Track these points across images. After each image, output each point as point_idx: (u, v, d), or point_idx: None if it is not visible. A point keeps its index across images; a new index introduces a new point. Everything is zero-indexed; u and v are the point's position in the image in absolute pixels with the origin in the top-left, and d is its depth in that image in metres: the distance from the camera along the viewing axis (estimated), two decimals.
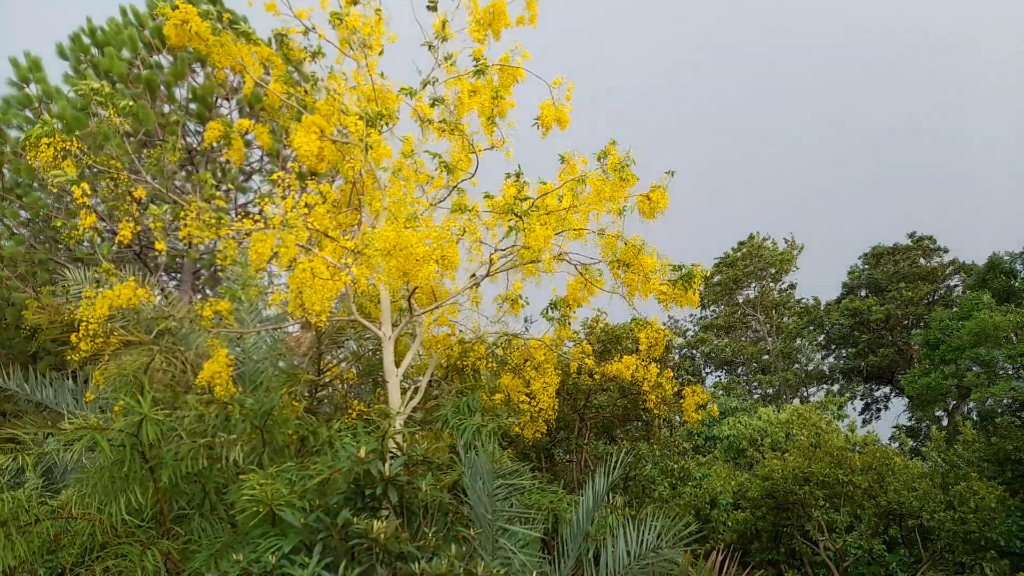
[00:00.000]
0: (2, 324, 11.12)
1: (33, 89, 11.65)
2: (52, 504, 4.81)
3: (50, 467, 6.07)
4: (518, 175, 7.53)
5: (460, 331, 8.46)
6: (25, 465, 4.59)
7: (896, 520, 11.91)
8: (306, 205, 6.11)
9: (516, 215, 6.88)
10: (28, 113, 11.59)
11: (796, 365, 29.67)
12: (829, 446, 12.20)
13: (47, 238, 11.73)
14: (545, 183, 7.59)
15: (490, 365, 8.54)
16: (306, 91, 7.74)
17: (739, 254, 31.32)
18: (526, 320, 9.55)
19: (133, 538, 5.00)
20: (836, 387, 29.23)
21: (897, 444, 19.36)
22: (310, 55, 7.78)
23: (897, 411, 28.30)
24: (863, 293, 28.44)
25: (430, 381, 8.01)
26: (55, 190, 6.59)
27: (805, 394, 29.50)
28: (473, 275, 7.79)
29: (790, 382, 28.59)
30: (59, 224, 9.04)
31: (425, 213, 7.49)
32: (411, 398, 7.20)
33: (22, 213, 11.79)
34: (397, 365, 7.09)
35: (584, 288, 8.12)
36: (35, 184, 11.34)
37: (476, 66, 8.03)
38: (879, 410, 29.03)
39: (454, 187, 8.15)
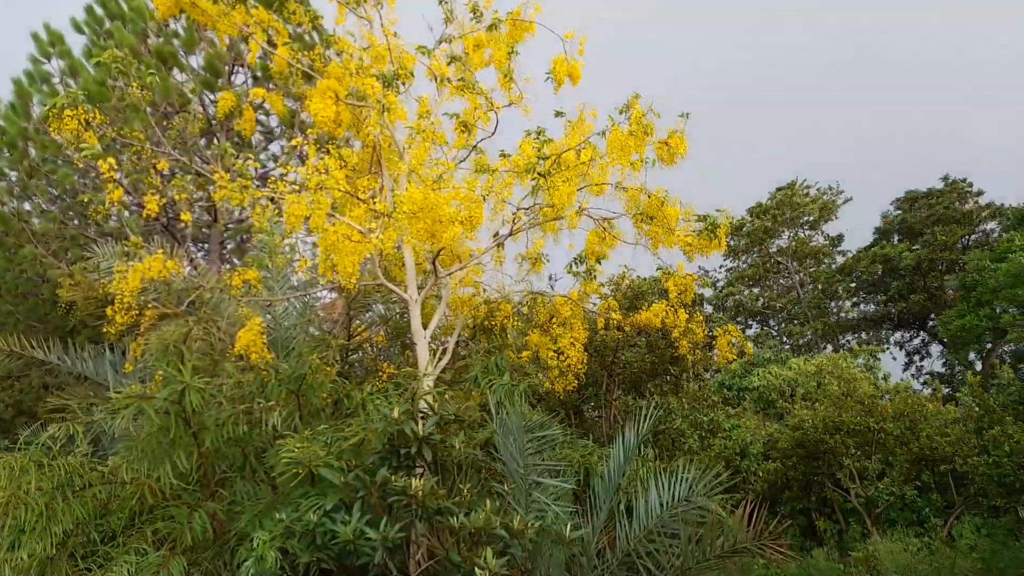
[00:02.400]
0: (39, 300, 11.42)
1: (54, 64, 11.70)
2: (102, 470, 5.00)
3: (97, 436, 6.29)
4: (539, 133, 7.42)
5: (485, 291, 8.49)
6: (76, 433, 4.76)
7: (928, 466, 11.88)
8: (326, 170, 6.14)
9: (540, 175, 6.82)
10: (48, 88, 11.68)
11: (831, 314, 29.27)
12: (859, 394, 12.15)
13: (76, 214, 11.92)
14: (563, 139, 7.47)
15: (516, 323, 8.58)
16: (316, 54, 7.65)
17: (774, 201, 30.67)
18: (551, 278, 9.55)
19: (180, 501, 5.19)
20: (865, 335, 28.88)
21: (931, 390, 19.18)
22: (310, 20, 7.68)
23: (931, 358, 27.97)
24: (896, 239, 27.81)
25: (458, 341, 8.08)
26: (81, 165, 6.67)
27: (840, 343, 29.15)
28: (496, 234, 7.77)
29: (820, 332, 28.29)
30: (87, 199, 9.16)
31: (448, 174, 7.45)
32: (440, 359, 7.28)
33: (50, 190, 11.99)
34: (424, 327, 7.15)
35: (603, 241, 8.05)
36: (60, 160, 11.49)
37: (479, 22, 7.87)
38: (922, 358, 28.60)
39: (474, 147, 8.07)
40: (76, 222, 11.79)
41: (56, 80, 11.72)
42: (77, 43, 11.86)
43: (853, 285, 28.59)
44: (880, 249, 26.63)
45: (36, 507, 4.53)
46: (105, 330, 6.33)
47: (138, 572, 4.67)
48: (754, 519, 6.51)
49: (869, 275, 27.37)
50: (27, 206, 12.06)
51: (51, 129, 5.97)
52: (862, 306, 29.44)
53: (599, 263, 8.23)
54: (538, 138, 7.36)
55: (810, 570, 9.66)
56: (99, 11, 11.89)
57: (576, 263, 8.34)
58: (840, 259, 30.24)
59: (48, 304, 11.09)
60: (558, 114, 7.48)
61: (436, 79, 8.01)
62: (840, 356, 16.59)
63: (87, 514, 4.78)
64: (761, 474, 11.80)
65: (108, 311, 6.24)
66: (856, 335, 29.11)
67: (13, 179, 11.83)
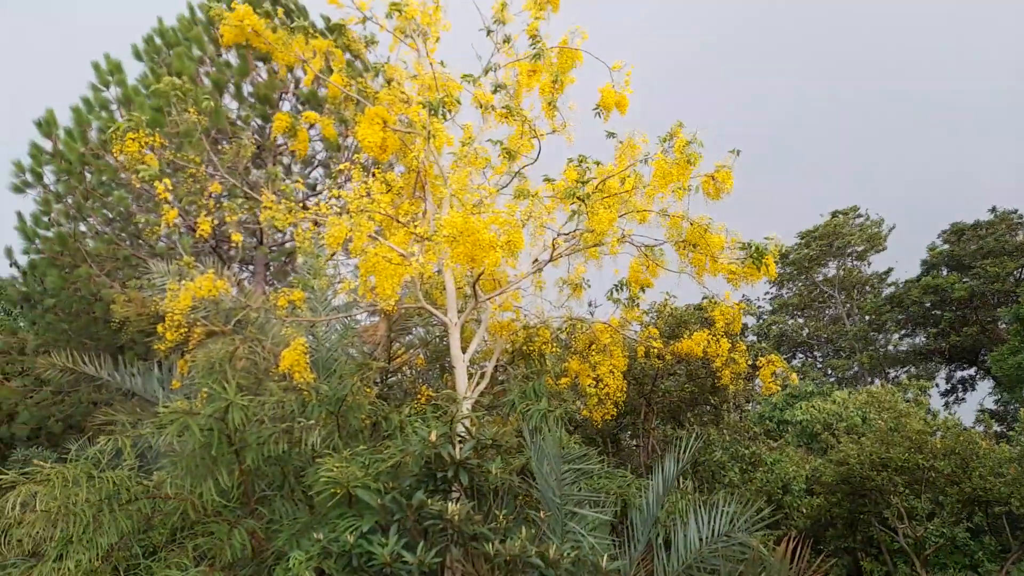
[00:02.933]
0: (91, 318, 11.79)
1: (112, 92, 12.22)
2: (147, 484, 5.10)
3: (142, 452, 6.43)
4: (581, 160, 7.46)
5: (524, 316, 8.49)
6: (123, 447, 4.88)
7: (981, 507, 11.36)
8: (367, 193, 6.28)
9: (579, 199, 6.84)
10: (106, 114, 12.17)
11: (879, 346, 28.52)
12: (908, 430, 11.71)
13: (129, 235, 12.34)
14: (607, 166, 7.50)
15: (555, 349, 8.55)
16: (366, 82, 7.84)
17: (827, 228, 30.35)
18: (590, 304, 9.51)
19: (220, 518, 5.26)
20: (914, 369, 27.94)
21: (982, 427, 18.41)
22: (365, 44, 7.88)
23: (981, 394, 26.90)
24: (944, 272, 26.99)
25: (496, 366, 8.08)
26: (138, 186, 6.94)
27: (888, 376, 28.28)
28: (536, 260, 7.80)
29: (865, 365, 27.49)
30: (142, 220, 9.49)
31: (489, 199, 7.53)
32: (478, 383, 7.28)
33: (105, 212, 12.43)
34: (463, 351, 7.17)
35: (646, 269, 8.02)
36: (115, 183, 11.93)
37: (535, 49, 7.94)
38: (965, 391, 27.55)
39: (516, 173, 8.14)
40: (128, 243, 12.20)
41: (113, 107, 12.23)
42: (131, 72, 12.41)
43: (902, 317, 27.76)
44: (932, 279, 25.86)
45: (83, 518, 4.64)
46: (156, 346, 6.52)
47: None
48: (797, 557, 6.31)
49: (919, 307, 26.56)
50: (82, 227, 12.53)
51: (114, 151, 6.24)
52: (911, 339, 28.57)
53: (643, 291, 8.19)
54: (580, 165, 7.41)
55: None
56: (158, 40, 12.42)
57: (617, 290, 8.30)
58: (888, 291, 29.60)
59: (100, 322, 11.45)
60: (610, 135, 7.51)
61: (481, 107, 8.13)
62: (887, 390, 16.08)
63: (131, 527, 4.87)
64: (804, 510, 11.43)
65: (159, 328, 6.44)
66: (905, 368, 28.20)
67: (69, 202, 12.32)
